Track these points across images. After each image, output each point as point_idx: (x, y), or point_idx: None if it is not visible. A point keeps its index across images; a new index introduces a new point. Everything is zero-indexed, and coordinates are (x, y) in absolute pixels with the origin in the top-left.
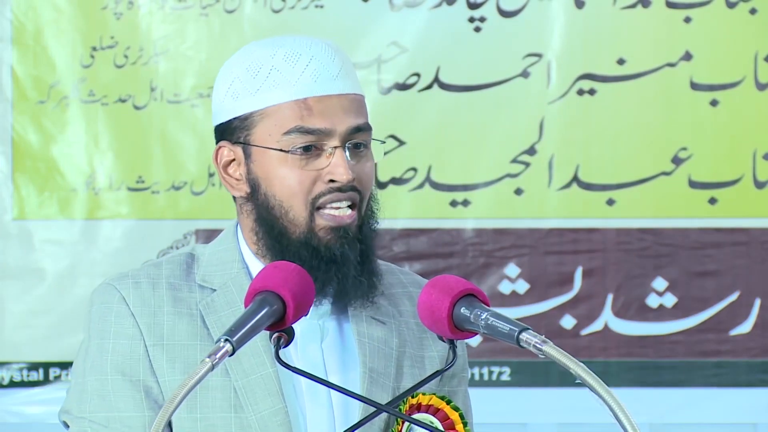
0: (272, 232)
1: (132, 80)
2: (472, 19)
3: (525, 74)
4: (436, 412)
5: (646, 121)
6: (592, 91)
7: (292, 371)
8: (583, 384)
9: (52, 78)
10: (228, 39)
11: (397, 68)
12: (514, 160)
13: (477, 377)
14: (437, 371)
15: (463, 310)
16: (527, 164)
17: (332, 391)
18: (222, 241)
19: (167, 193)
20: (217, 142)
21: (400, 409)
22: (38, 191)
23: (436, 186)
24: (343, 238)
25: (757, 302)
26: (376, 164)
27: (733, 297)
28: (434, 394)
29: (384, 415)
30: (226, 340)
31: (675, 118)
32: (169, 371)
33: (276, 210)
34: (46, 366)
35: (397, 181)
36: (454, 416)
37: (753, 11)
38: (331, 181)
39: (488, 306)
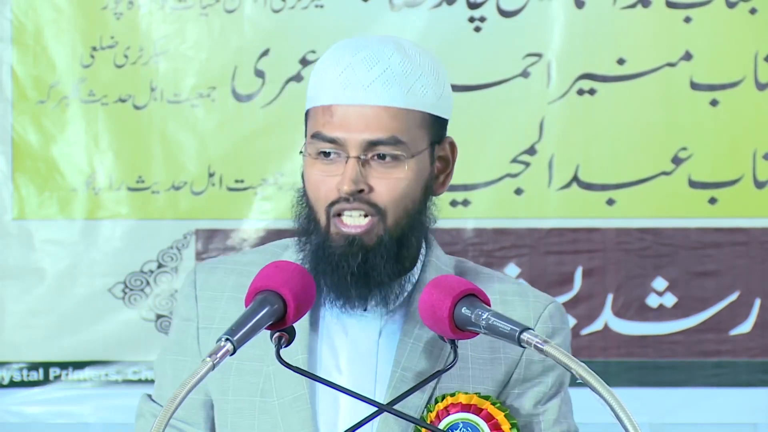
0: (307, 227)
1: (132, 80)
2: (472, 19)
3: (525, 74)
4: (479, 411)
5: (646, 121)
6: (592, 91)
7: (293, 371)
8: (583, 384)
9: (52, 78)
10: (228, 39)
11: None
12: (514, 160)
13: None
14: (437, 371)
15: (464, 310)
16: (527, 164)
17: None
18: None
19: (167, 193)
20: None
21: (430, 409)
22: (38, 191)
23: None
24: (347, 247)
25: (757, 302)
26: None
27: (733, 297)
28: (477, 393)
29: (415, 412)
30: (227, 339)
31: (675, 118)
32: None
33: (309, 209)
34: (46, 366)
35: None
36: (500, 416)
37: (753, 11)
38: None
39: (489, 306)
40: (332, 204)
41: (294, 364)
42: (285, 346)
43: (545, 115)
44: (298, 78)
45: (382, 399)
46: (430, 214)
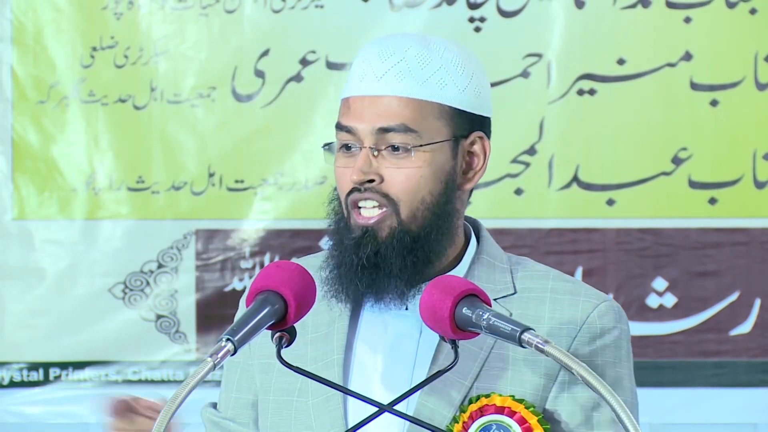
0: (336, 219)
1: (132, 80)
2: (472, 19)
3: (525, 74)
4: (512, 414)
5: (646, 121)
6: (592, 91)
7: (294, 371)
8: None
9: (52, 78)
10: (228, 39)
11: None
12: (514, 160)
13: None
14: (438, 372)
15: (465, 310)
16: (527, 164)
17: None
18: None
19: (167, 193)
20: None
21: (463, 409)
22: (38, 191)
23: None
24: (359, 239)
25: (757, 302)
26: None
27: (733, 297)
28: (512, 396)
29: (448, 411)
30: (228, 339)
31: (675, 118)
32: (263, 355)
33: (339, 201)
34: (46, 366)
35: None
36: (532, 420)
37: (753, 11)
38: None
39: (490, 306)
40: (349, 194)
41: (329, 364)
42: (286, 346)
43: (545, 115)
44: (298, 78)
45: (416, 399)
46: (457, 208)
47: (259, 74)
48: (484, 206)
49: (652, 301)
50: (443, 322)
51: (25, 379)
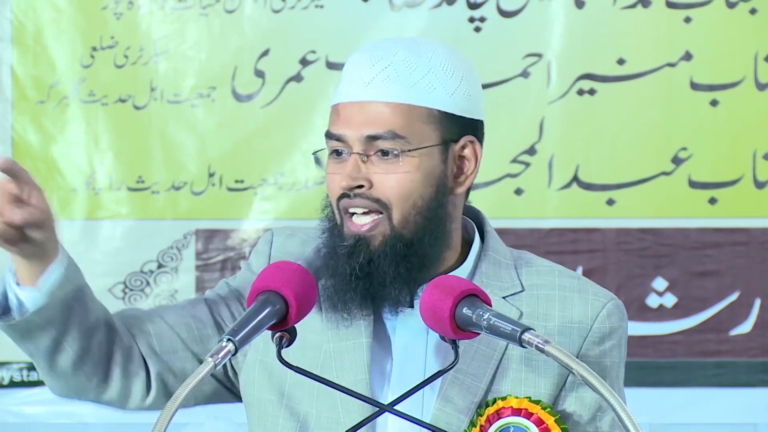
0: (327, 225)
1: (132, 80)
2: (472, 19)
3: (525, 74)
4: (529, 415)
5: (646, 121)
6: (592, 91)
7: (294, 371)
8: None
9: (52, 78)
10: (228, 39)
11: None
12: (514, 160)
13: None
14: (438, 372)
15: (465, 310)
16: (527, 164)
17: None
18: None
19: (167, 193)
20: None
21: (480, 413)
22: None
23: None
24: (353, 247)
25: (757, 302)
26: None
27: (733, 297)
28: (528, 398)
29: (465, 415)
30: (229, 339)
31: (675, 118)
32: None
33: (331, 207)
34: None
35: None
36: (550, 421)
37: (753, 11)
38: None
39: (490, 306)
40: (339, 200)
41: (359, 383)
42: (286, 346)
43: (545, 115)
44: (298, 78)
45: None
46: (449, 213)
47: (259, 74)
48: (484, 206)
49: (652, 301)
50: (443, 322)
51: (25, 379)
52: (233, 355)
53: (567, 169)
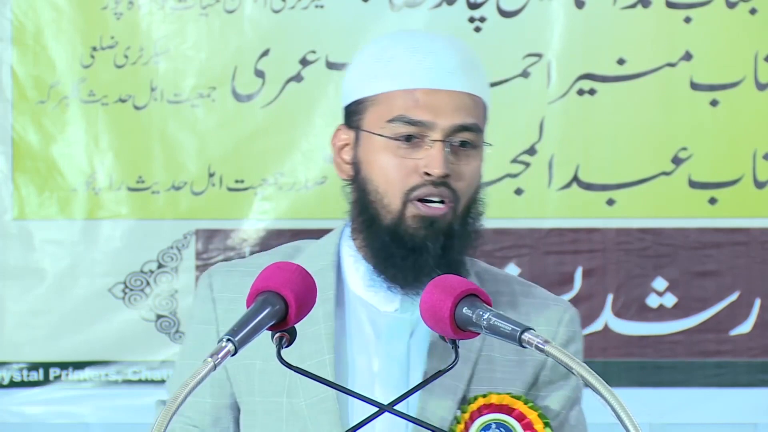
0: (365, 215)
1: (132, 80)
2: (472, 19)
3: (525, 74)
4: (510, 411)
5: (646, 121)
6: (592, 91)
7: (294, 371)
8: (584, 384)
9: (52, 78)
10: (228, 39)
11: None
12: (514, 160)
13: None
14: (438, 372)
15: (465, 310)
16: (527, 164)
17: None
18: (329, 235)
19: (167, 193)
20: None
21: (463, 410)
22: (38, 191)
23: None
24: (428, 229)
25: (757, 302)
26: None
27: (733, 297)
28: (509, 394)
29: (448, 413)
30: (228, 340)
31: (675, 118)
32: (238, 357)
33: (371, 195)
34: (46, 366)
35: None
36: (532, 416)
37: (753, 11)
38: (426, 174)
39: (490, 306)
40: (414, 188)
41: (321, 364)
42: (286, 347)
43: (545, 115)
44: (298, 78)
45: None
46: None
47: (259, 74)
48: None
49: (652, 301)
50: (443, 322)
51: (25, 379)
52: (233, 355)
53: (567, 169)
